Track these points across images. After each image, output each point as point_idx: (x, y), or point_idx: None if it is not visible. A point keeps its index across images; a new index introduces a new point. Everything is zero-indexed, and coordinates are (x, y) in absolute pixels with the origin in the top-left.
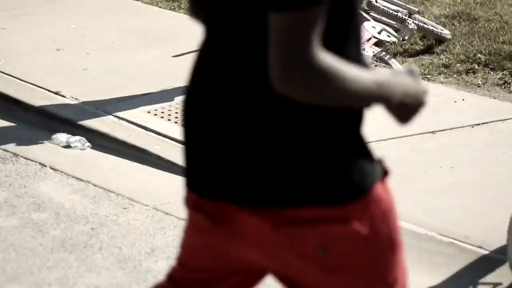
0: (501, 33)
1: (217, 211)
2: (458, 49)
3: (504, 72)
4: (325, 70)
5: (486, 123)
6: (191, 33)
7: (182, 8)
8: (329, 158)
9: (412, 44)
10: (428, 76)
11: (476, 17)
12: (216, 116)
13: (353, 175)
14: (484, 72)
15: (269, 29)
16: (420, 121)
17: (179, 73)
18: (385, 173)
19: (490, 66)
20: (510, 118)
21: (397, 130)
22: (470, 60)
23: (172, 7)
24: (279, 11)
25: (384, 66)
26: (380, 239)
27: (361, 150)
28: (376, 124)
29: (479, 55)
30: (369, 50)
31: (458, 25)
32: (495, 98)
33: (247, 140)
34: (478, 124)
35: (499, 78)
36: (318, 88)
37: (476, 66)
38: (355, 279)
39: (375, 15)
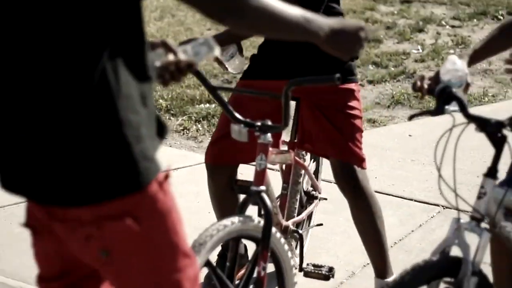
0: (186, 76)
1: (37, 215)
2: None
3: (184, 117)
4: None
5: None
6: None
7: None
8: (104, 155)
9: None
10: None
11: None
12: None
13: (127, 171)
14: (165, 119)
15: None
16: None
17: None
18: (166, 176)
19: (172, 111)
20: (182, 167)
21: None
22: None
23: None
24: None
25: None
26: (155, 239)
27: (138, 146)
28: None
29: (161, 100)
30: None
31: None
32: (171, 146)
33: (34, 146)
34: None
35: (179, 124)
36: (253, 15)
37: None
38: (140, 277)
39: None
